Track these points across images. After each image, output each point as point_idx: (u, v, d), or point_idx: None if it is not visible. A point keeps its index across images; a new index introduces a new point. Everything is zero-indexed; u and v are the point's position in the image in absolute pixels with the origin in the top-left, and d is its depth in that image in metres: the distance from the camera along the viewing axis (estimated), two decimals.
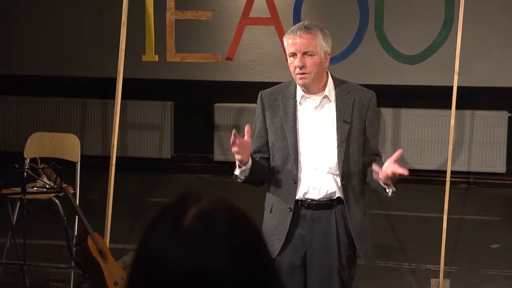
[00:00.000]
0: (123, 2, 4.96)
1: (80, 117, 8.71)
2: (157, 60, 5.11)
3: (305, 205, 3.21)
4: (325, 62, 3.17)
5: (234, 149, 3.04)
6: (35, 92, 8.73)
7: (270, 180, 3.28)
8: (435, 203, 6.03)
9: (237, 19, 5.22)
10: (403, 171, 3.02)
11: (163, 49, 5.09)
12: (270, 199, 3.31)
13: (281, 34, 5.17)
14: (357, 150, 3.20)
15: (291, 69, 3.17)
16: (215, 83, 8.28)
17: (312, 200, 3.20)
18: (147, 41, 5.08)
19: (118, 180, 5.06)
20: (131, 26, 5.15)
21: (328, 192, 3.19)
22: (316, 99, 3.20)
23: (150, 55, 5.09)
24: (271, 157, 3.27)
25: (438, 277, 4.74)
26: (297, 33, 3.13)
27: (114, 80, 4.98)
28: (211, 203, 1.20)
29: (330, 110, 3.20)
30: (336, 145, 3.17)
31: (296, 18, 5.19)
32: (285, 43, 3.20)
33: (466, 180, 7.99)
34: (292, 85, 3.26)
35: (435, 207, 6.14)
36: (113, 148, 4.97)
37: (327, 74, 3.24)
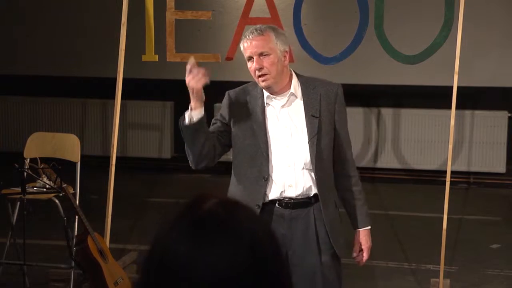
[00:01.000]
0: (123, 2, 4.96)
1: (80, 117, 8.71)
2: (157, 60, 5.11)
3: (283, 204, 3.19)
4: (284, 60, 3.18)
5: (193, 76, 3.03)
6: (35, 92, 8.73)
7: (234, 178, 3.27)
8: (435, 203, 6.03)
9: (237, 19, 5.21)
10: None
11: (163, 49, 5.09)
12: (234, 196, 3.21)
13: None
14: (327, 144, 3.21)
15: (252, 74, 3.20)
16: (215, 83, 8.23)
17: (290, 198, 3.19)
18: (147, 41, 5.08)
19: (118, 180, 5.06)
20: (131, 26, 5.15)
21: (304, 189, 3.19)
22: (282, 98, 3.22)
23: (150, 55, 5.09)
24: (234, 155, 3.27)
25: (438, 277, 4.74)
26: (249, 36, 3.16)
27: (114, 80, 4.98)
28: (234, 201, 1.20)
29: (298, 107, 3.22)
30: (307, 140, 3.18)
31: (296, 18, 5.19)
32: (241, 49, 3.24)
33: (466, 180, 7.99)
34: (258, 86, 3.26)
35: (435, 207, 6.14)
36: (113, 148, 4.97)
37: (291, 72, 3.25)
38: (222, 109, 3.34)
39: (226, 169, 7.91)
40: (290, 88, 3.21)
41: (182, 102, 9.16)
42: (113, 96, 5.01)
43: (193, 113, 3.09)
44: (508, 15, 7.78)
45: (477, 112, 7.90)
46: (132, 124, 8.55)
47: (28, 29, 8.68)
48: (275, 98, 3.22)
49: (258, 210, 3.15)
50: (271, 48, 3.15)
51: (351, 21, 5.21)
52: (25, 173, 4.50)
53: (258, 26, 3.21)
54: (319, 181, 3.18)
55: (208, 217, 1.14)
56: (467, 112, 7.85)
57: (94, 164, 7.08)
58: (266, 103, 3.23)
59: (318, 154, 3.17)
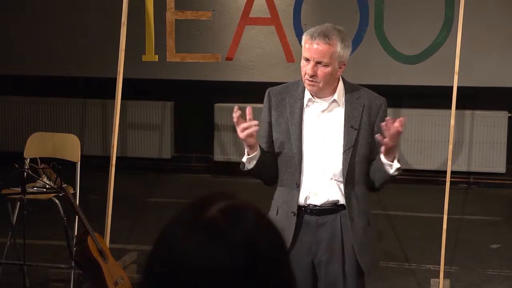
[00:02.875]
0: (123, 2, 4.96)
1: (80, 117, 8.71)
2: (157, 60, 5.11)
3: (308, 210, 3.12)
4: (338, 72, 3.08)
5: (242, 130, 2.96)
6: (35, 92, 8.72)
7: (279, 182, 3.21)
8: (435, 203, 6.03)
9: (237, 19, 5.22)
10: (399, 124, 2.94)
11: (163, 49, 5.09)
12: (276, 201, 3.21)
13: (281, 34, 5.17)
14: (363, 158, 3.11)
15: (302, 72, 3.09)
16: (215, 83, 8.28)
17: (314, 205, 3.11)
18: (147, 41, 5.08)
19: (118, 180, 5.06)
20: (131, 26, 5.15)
21: (329, 199, 3.11)
22: (324, 103, 3.12)
23: (150, 55, 5.09)
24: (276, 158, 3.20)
25: (438, 277, 4.74)
26: (316, 39, 3.02)
27: (114, 80, 4.97)
28: (242, 203, 1.19)
29: (338, 115, 3.12)
30: (342, 151, 3.08)
31: (296, 18, 5.19)
32: (302, 41, 3.09)
33: (466, 180, 7.98)
34: (300, 85, 3.17)
35: (435, 207, 6.14)
36: (113, 148, 4.97)
37: (339, 78, 3.15)
38: (263, 113, 3.24)
39: (225, 169, 7.94)
40: (334, 95, 3.11)
41: (182, 102, 9.22)
42: (113, 96, 5.01)
43: (250, 157, 3.06)
44: (508, 15, 7.78)
45: (477, 112, 7.90)
46: (132, 124, 8.55)
47: (28, 29, 8.67)
48: (316, 101, 3.13)
49: (294, 218, 3.10)
50: (331, 59, 3.03)
51: (351, 21, 5.21)
52: (25, 173, 4.50)
53: (329, 28, 3.05)
54: (347, 194, 3.10)
55: (207, 224, 1.14)
56: (467, 112, 7.85)
57: (94, 164, 7.08)
58: (306, 104, 3.13)
59: (350, 167, 3.08)
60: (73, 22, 8.56)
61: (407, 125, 8.01)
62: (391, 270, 5.42)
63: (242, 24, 5.15)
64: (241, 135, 3.00)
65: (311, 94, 3.13)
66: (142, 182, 7.99)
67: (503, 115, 7.88)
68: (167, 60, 5.11)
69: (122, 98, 5.02)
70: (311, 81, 3.05)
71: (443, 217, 4.71)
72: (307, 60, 3.05)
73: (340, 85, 3.14)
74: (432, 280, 4.87)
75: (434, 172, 7.86)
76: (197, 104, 8.41)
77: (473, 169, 7.99)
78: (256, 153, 3.04)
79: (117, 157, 5.03)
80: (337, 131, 3.11)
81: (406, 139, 8.03)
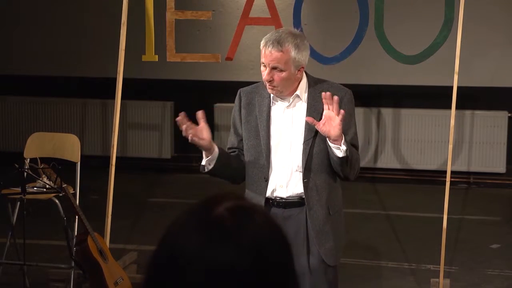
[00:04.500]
0: (123, 2, 4.96)
1: (80, 117, 8.71)
2: (157, 60, 5.11)
3: (275, 203, 3.21)
4: (297, 74, 3.16)
5: (187, 132, 3.07)
6: (35, 92, 8.72)
7: (246, 178, 3.31)
8: (435, 203, 6.03)
9: (237, 19, 5.21)
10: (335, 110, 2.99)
11: (163, 49, 5.09)
12: (247, 196, 3.26)
13: None
14: (322, 148, 3.16)
15: (262, 76, 3.19)
16: (215, 83, 8.28)
17: (281, 198, 3.21)
18: (147, 41, 5.08)
19: (118, 180, 5.06)
20: (131, 26, 5.15)
21: (294, 191, 3.19)
22: (287, 98, 3.23)
23: (150, 55, 5.09)
24: (245, 155, 3.30)
25: (438, 277, 4.74)
26: (269, 47, 3.11)
27: (114, 80, 4.98)
28: (250, 204, 1.19)
29: (301, 109, 3.22)
30: (302, 142, 3.19)
31: (296, 18, 5.19)
32: (261, 47, 3.18)
33: (466, 180, 7.98)
34: None
35: (435, 207, 6.14)
36: (113, 148, 4.97)
37: (301, 77, 3.22)
38: (234, 112, 3.37)
39: None
40: (296, 91, 3.21)
41: (182, 102, 9.21)
42: (113, 96, 5.01)
43: (207, 160, 3.17)
44: (508, 15, 7.78)
45: (477, 112, 7.90)
46: (132, 124, 8.55)
47: (28, 29, 8.67)
48: (280, 99, 3.24)
49: None
50: (286, 65, 3.11)
51: (351, 21, 5.21)
52: (25, 173, 4.50)
53: (282, 35, 3.12)
54: (306, 184, 3.17)
55: (215, 222, 1.13)
56: (467, 112, 7.85)
57: (94, 164, 7.08)
58: (272, 102, 3.25)
59: (309, 157, 3.17)
60: (73, 22, 8.56)
61: (407, 125, 8.06)
62: (391, 270, 5.42)
63: (242, 24, 5.15)
64: (187, 136, 3.11)
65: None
66: (142, 182, 7.99)
67: (503, 115, 7.88)
68: (167, 60, 5.10)
69: (122, 98, 5.02)
70: (269, 86, 3.16)
71: (443, 217, 4.71)
72: (264, 65, 3.15)
73: (304, 80, 3.23)
74: (432, 280, 4.87)
75: (434, 172, 7.86)
76: (197, 104, 8.39)
77: (473, 169, 7.98)
78: (214, 154, 3.14)
79: (117, 157, 5.03)
80: (300, 124, 3.20)
81: (406, 139, 8.03)
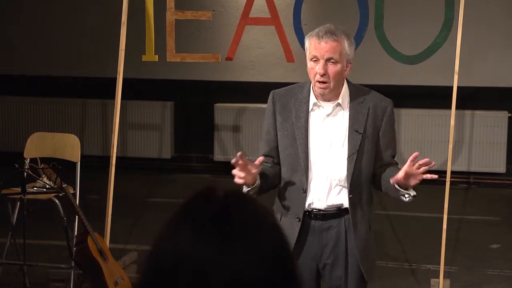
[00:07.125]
0: (123, 2, 4.96)
1: (80, 117, 8.71)
2: (157, 60, 5.11)
3: (312, 215, 3.08)
4: (346, 70, 3.04)
5: (238, 174, 2.88)
6: (35, 92, 8.72)
7: (281, 187, 3.15)
8: (435, 203, 6.03)
9: (237, 19, 5.22)
10: (426, 175, 3.02)
11: (163, 49, 5.09)
12: (279, 207, 3.15)
13: (281, 34, 5.16)
14: (367, 163, 3.09)
15: (311, 74, 3.03)
16: (215, 83, 8.28)
17: (318, 210, 3.08)
18: (147, 41, 5.08)
19: (118, 180, 5.06)
20: (131, 26, 5.15)
21: (334, 204, 3.08)
22: (328, 106, 3.07)
23: (150, 55, 5.09)
24: (281, 163, 3.15)
25: (438, 277, 4.74)
26: (323, 37, 2.97)
27: (114, 80, 4.97)
28: (243, 196, 1.19)
29: (342, 119, 3.08)
30: (346, 156, 3.05)
31: (296, 18, 5.19)
32: (306, 44, 3.04)
33: (466, 180, 7.98)
34: (305, 88, 3.11)
35: (435, 207, 6.14)
36: (113, 148, 4.97)
37: (348, 73, 3.11)
38: (267, 116, 3.16)
39: (225, 169, 7.93)
40: (338, 98, 3.06)
41: (182, 102, 9.21)
42: (113, 96, 5.01)
43: (249, 190, 2.94)
44: (508, 15, 7.78)
45: (477, 112, 7.90)
46: (132, 124, 8.55)
47: (28, 29, 8.67)
48: (321, 105, 3.08)
49: (299, 223, 3.06)
50: (340, 57, 2.98)
51: (351, 21, 5.21)
52: (25, 173, 4.50)
53: (333, 27, 3.01)
54: (352, 199, 3.06)
55: (209, 222, 1.13)
56: (467, 112, 7.84)
57: (94, 164, 7.08)
58: (312, 109, 3.08)
59: (355, 173, 3.05)
60: (73, 22, 8.56)
61: (407, 125, 8.05)
62: (391, 270, 5.42)
63: (242, 24, 5.15)
64: (240, 181, 2.91)
65: (316, 98, 3.08)
66: (142, 182, 7.99)
67: (503, 115, 7.88)
68: (167, 60, 5.11)
69: (122, 98, 5.02)
70: (323, 82, 3.00)
71: (443, 217, 4.71)
72: (315, 60, 2.99)
73: (345, 87, 3.10)
74: (432, 280, 4.87)
75: (434, 172, 7.84)
76: (197, 104, 8.41)
77: (473, 169, 7.98)
78: (255, 185, 2.95)
79: (117, 157, 5.03)
80: (342, 136, 3.07)
81: (406, 139, 8.03)
